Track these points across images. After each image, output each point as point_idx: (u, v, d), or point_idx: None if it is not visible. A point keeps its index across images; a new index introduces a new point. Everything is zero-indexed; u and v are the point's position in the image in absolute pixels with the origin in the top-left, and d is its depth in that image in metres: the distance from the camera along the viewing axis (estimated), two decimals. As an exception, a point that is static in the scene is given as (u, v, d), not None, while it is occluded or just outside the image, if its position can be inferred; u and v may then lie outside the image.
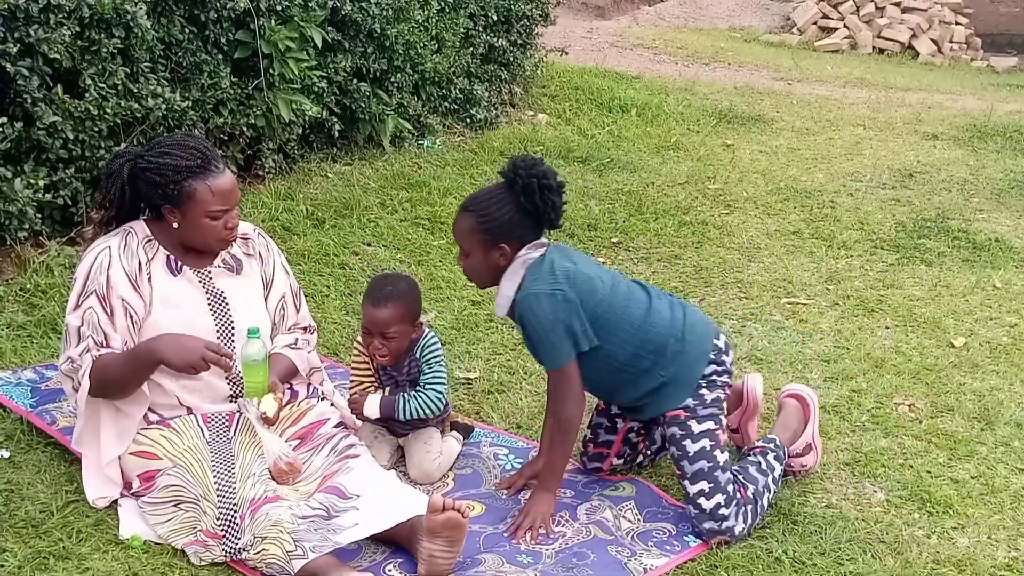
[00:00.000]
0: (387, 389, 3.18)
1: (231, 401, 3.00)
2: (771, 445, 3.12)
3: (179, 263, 2.99)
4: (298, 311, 3.23)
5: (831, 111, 8.85)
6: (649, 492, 3.11)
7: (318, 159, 5.94)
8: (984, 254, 5.35)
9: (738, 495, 2.91)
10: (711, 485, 2.88)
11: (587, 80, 8.46)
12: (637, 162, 6.83)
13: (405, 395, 3.13)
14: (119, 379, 2.83)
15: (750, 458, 3.07)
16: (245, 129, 5.22)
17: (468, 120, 6.98)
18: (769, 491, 3.00)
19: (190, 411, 2.95)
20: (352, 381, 3.27)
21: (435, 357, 3.15)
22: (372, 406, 3.12)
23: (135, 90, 4.53)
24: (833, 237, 5.59)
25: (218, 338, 2.96)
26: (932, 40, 12.80)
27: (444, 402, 3.17)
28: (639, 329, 2.93)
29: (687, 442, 2.93)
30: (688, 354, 2.97)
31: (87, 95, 4.29)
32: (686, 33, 12.84)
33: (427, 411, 3.12)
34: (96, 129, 4.36)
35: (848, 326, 4.46)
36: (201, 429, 2.92)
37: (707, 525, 2.88)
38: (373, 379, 3.24)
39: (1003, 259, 5.27)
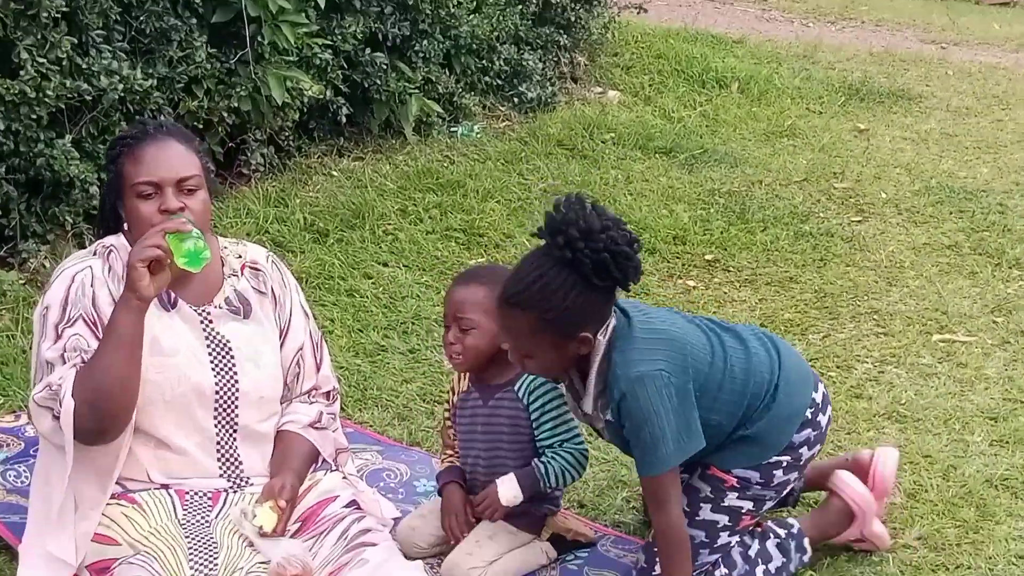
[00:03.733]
0: (472, 462, 3.20)
1: (221, 477, 3.01)
2: (782, 529, 3.17)
3: (172, 294, 3.00)
4: (319, 369, 3.22)
5: (999, 84, 8.79)
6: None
7: (320, 153, 6.01)
8: None
9: None
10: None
11: (673, 46, 8.49)
12: (739, 154, 6.83)
13: (541, 460, 3.12)
14: (110, 366, 2.76)
15: (743, 538, 3.11)
16: (226, 115, 5.31)
17: (516, 100, 7.03)
18: None
19: (164, 486, 2.97)
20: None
21: (553, 404, 3.12)
22: (510, 488, 3.09)
23: (84, 66, 4.63)
24: (1003, 253, 5.55)
25: (219, 404, 2.96)
26: None
27: (587, 459, 3.18)
28: (742, 389, 2.98)
29: (704, 507, 3.02)
30: (780, 409, 3.00)
31: (22, 73, 4.39)
32: (805, -19, 12.84)
33: (575, 472, 3.14)
34: (34, 117, 4.46)
35: (1023, 372, 4.41)
36: (174, 507, 2.94)
37: None
38: (451, 452, 3.29)
39: None
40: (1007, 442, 3.90)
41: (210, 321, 3.01)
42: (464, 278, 3.21)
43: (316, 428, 3.14)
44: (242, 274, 3.10)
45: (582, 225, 2.76)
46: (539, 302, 2.80)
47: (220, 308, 3.03)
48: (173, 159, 2.92)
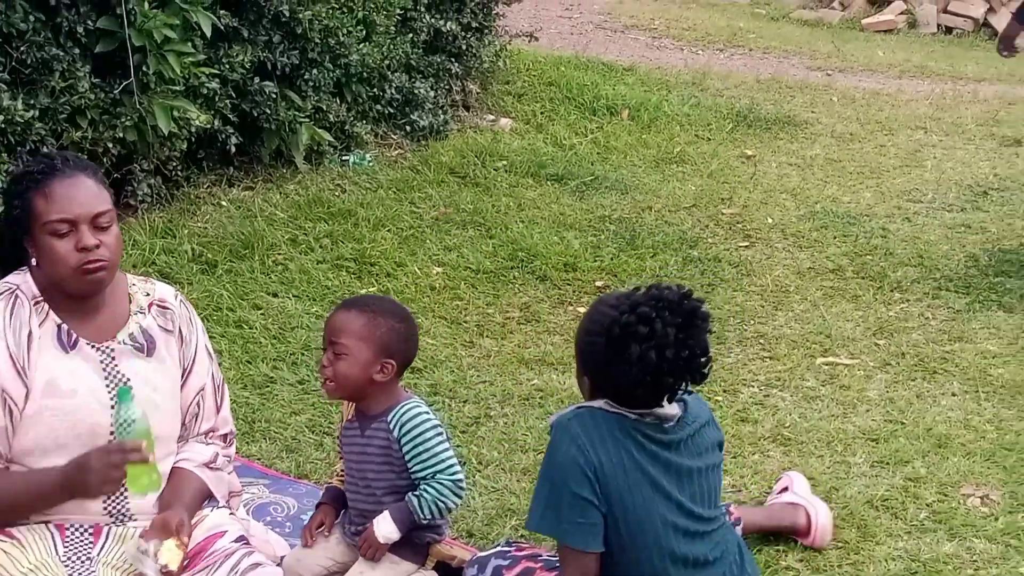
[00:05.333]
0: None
1: (104, 513, 2.97)
2: None
3: (73, 335, 2.94)
4: (218, 411, 3.18)
5: (883, 110, 8.99)
6: None
7: (208, 183, 5.96)
8: (1080, 295, 5.43)
9: None
10: None
11: (564, 73, 8.56)
12: (629, 180, 6.91)
13: (415, 492, 3.09)
14: (12, 504, 2.83)
15: None
16: (111, 145, 5.24)
17: (408, 128, 7.04)
18: None
19: (45, 520, 2.93)
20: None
21: (423, 436, 3.10)
22: (385, 525, 3.07)
23: (-37, 97, 4.55)
24: (884, 276, 5.66)
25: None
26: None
27: (463, 488, 3.14)
28: None
29: None
30: None
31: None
32: (695, 9, 13.06)
33: (449, 501, 3.10)
34: (-91, 149, 4.37)
35: (903, 393, 4.51)
36: (55, 543, 2.89)
37: None
38: (341, 477, 3.26)
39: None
40: (887, 463, 3.98)
41: (112, 359, 2.95)
42: (346, 304, 3.19)
43: (211, 468, 3.10)
44: (149, 311, 3.05)
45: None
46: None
47: (123, 344, 2.98)
48: (87, 195, 2.87)
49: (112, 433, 2.91)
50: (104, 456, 2.75)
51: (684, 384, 2.73)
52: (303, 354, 4.60)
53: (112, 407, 2.91)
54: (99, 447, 2.79)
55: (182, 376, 3.09)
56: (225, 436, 3.19)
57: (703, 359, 2.71)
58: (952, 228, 6.37)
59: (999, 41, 5.95)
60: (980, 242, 6.15)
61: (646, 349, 2.65)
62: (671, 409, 2.80)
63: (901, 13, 13.10)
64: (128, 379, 2.95)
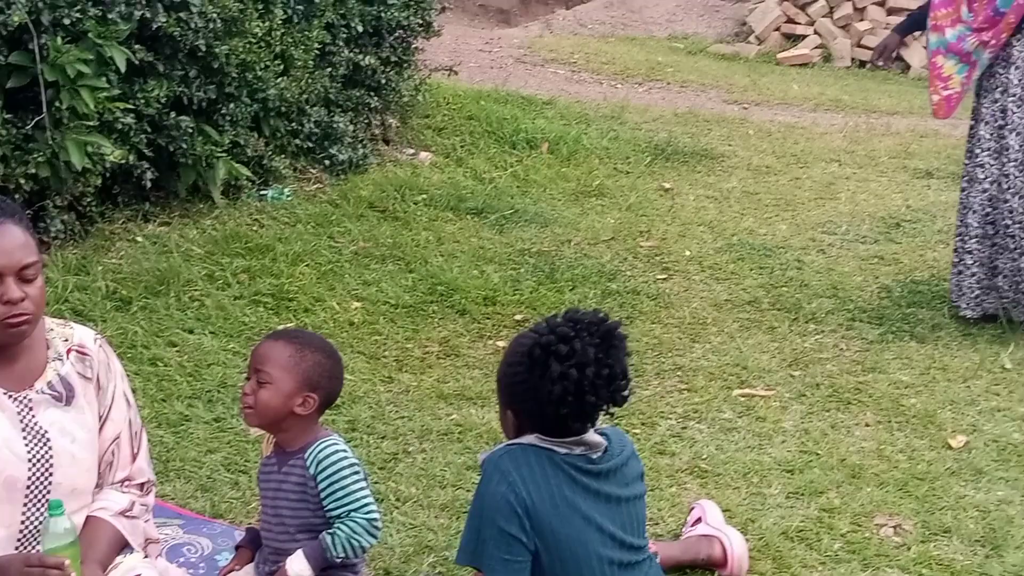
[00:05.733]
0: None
1: None
2: None
3: None
4: (134, 460, 3.11)
5: (798, 143, 9.12)
6: None
7: (124, 218, 5.90)
8: (990, 327, 5.52)
9: None
10: None
11: (484, 107, 8.59)
12: (549, 214, 6.93)
13: (329, 531, 3.05)
14: None
15: None
16: (23, 181, 5.17)
17: (327, 162, 7.02)
18: None
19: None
20: None
21: (340, 474, 3.06)
22: (299, 564, 3.02)
23: None
24: (799, 308, 5.73)
25: (29, 497, 2.83)
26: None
27: (378, 528, 3.12)
28: None
29: None
30: None
31: None
32: (614, 44, 13.16)
33: (363, 540, 3.06)
34: None
35: (818, 424, 4.56)
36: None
37: None
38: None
39: (1014, 332, 5.45)
40: (802, 494, 4.02)
41: (30, 409, 2.88)
42: (275, 335, 3.21)
43: (127, 517, 3.04)
44: (67, 358, 2.98)
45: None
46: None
47: (41, 393, 2.90)
48: (13, 245, 2.79)
49: (29, 487, 2.86)
50: (23, 569, 2.69)
51: (606, 406, 2.77)
52: (219, 391, 4.56)
53: (30, 460, 2.86)
54: (21, 556, 2.74)
55: (99, 424, 3.03)
56: (142, 485, 3.13)
57: (623, 381, 2.76)
58: (865, 260, 6.47)
59: (875, 49, 5.96)
60: (893, 273, 6.25)
61: (567, 367, 2.71)
62: (596, 438, 2.83)
63: (816, 47, 13.31)
64: (46, 431, 2.89)
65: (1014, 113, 5.20)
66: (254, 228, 6.12)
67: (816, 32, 13.51)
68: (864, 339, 5.39)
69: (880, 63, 5.89)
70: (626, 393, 2.80)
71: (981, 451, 4.38)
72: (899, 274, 6.23)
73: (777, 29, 13.70)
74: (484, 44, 12.42)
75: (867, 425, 4.56)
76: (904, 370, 5.07)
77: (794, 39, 13.58)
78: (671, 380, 4.94)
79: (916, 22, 5.77)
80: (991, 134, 5.29)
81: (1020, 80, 5.19)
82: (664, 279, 6.08)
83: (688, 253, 6.46)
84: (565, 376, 2.72)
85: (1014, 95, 5.20)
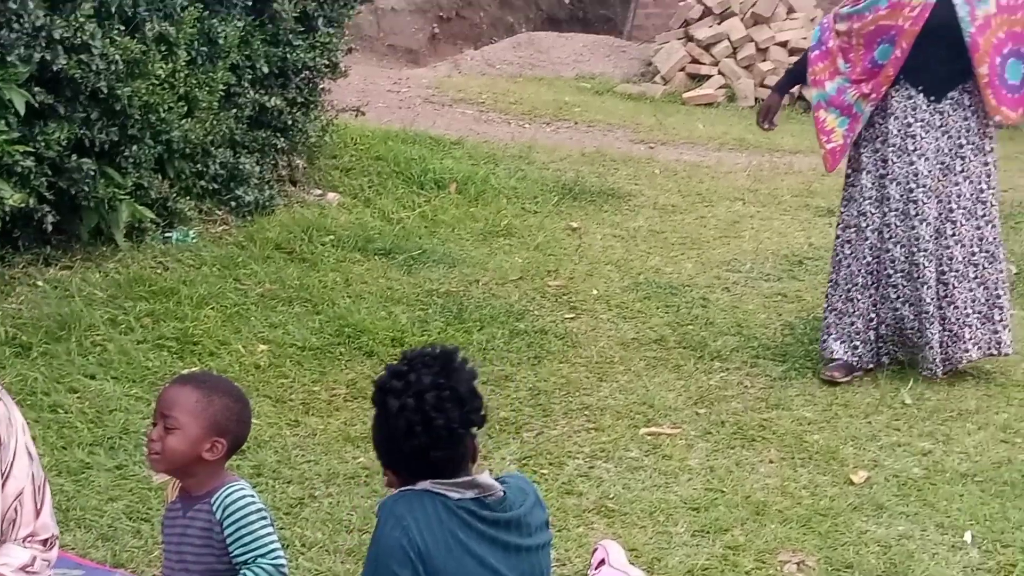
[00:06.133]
0: None
1: None
2: None
3: None
4: (38, 515, 3.07)
5: (703, 182, 9.23)
6: None
7: (24, 263, 5.80)
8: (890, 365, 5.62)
9: None
10: None
11: (392, 147, 8.60)
12: (457, 254, 6.94)
13: None
14: None
15: None
16: (-82, 225, 5.08)
17: (233, 204, 6.97)
18: None
19: None
20: None
21: (247, 519, 3.03)
22: None
23: None
24: (705, 345, 5.79)
25: None
26: (826, 89, 13.58)
27: (285, 573, 3.07)
28: None
29: None
30: None
31: None
32: (521, 84, 13.24)
33: None
34: None
35: (723, 462, 4.60)
36: None
37: None
38: None
39: (913, 368, 5.54)
40: (708, 531, 4.05)
41: None
42: (182, 379, 3.16)
43: (27, 573, 2.99)
44: None
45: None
46: None
47: None
48: None
49: None
50: None
51: (465, 430, 2.74)
52: (121, 438, 4.49)
53: None
54: None
55: (1, 480, 2.98)
56: (45, 541, 3.07)
57: (473, 401, 2.73)
58: (769, 297, 6.56)
59: (758, 114, 5.99)
60: (796, 310, 6.34)
61: (405, 399, 2.69)
62: (488, 479, 2.81)
63: (720, 87, 13.51)
64: None
65: (894, 163, 5.27)
66: (158, 271, 6.05)
67: (720, 72, 13.70)
68: (768, 376, 5.46)
69: (766, 126, 5.86)
70: (482, 413, 2.80)
71: (882, 486, 4.45)
72: (802, 311, 6.32)
73: (682, 69, 13.88)
74: (392, 84, 12.43)
75: (771, 462, 4.62)
76: (807, 406, 5.14)
77: (699, 79, 13.75)
78: (579, 419, 4.96)
79: (794, 77, 5.88)
80: (872, 183, 5.36)
81: (899, 131, 5.26)
82: (572, 318, 6.11)
83: (595, 292, 6.50)
84: (404, 407, 2.69)
85: (893, 145, 5.27)
